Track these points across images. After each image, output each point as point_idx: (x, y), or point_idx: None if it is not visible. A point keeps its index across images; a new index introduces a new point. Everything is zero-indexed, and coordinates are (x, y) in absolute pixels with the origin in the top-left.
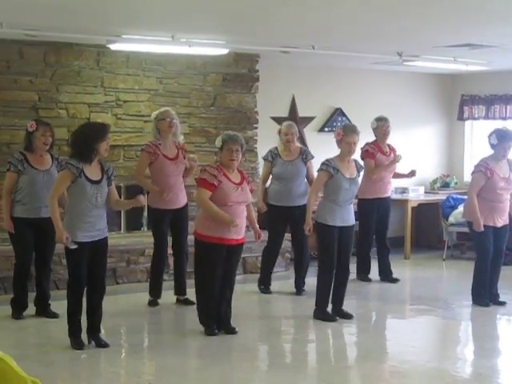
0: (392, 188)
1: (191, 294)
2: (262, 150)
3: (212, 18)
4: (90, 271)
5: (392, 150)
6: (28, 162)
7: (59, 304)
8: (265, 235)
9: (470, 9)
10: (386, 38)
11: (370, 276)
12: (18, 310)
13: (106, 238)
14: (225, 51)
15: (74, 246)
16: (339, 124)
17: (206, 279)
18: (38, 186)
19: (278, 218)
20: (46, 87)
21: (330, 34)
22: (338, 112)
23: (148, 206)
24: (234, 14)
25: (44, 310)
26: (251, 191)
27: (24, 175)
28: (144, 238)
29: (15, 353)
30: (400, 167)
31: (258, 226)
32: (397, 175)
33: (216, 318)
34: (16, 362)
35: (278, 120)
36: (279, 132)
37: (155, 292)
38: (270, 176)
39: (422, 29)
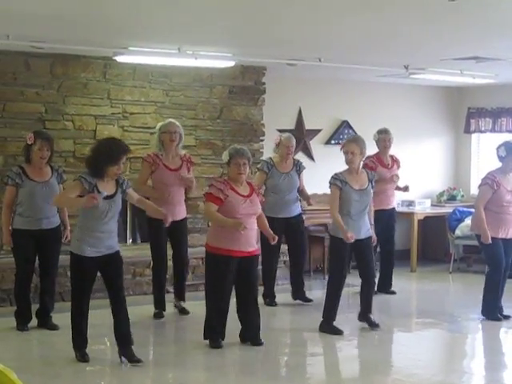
0: (399, 200)
1: (190, 305)
2: None
3: (218, 31)
4: (109, 285)
5: (395, 161)
6: (26, 174)
7: (64, 316)
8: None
9: (477, 22)
10: (392, 50)
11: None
12: (21, 322)
13: (117, 252)
14: (231, 64)
15: (104, 194)
16: (346, 136)
17: (214, 292)
18: (37, 198)
19: (276, 230)
20: (53, 99)
21: (337, 46)
22: (345, 124)
23: (146, 216)
24: (240, 26)
25: (45, 322)
26: (261, 202)
27: (23, 188)
28: (150, 251)
29: (18, 365)
30: (406, 180)
31: (270, 231)
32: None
33: (221, 332)
34: (19, 374)
35: (285, 132)
36: (278, 144)
37: (159, 304)
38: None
39: (429, 42)
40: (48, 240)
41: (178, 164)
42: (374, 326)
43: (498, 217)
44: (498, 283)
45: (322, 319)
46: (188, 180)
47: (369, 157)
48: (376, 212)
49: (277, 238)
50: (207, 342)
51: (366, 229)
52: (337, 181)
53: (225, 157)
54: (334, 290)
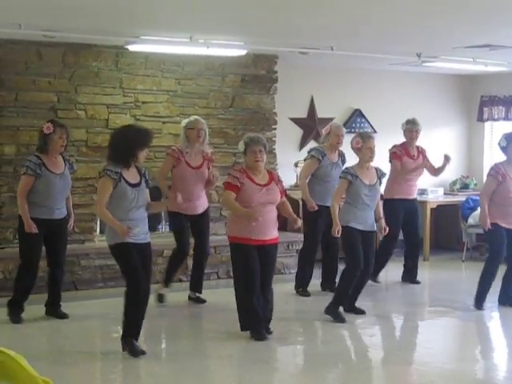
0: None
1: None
2: (281, 151)
3: (230, 19)
4: None
5: (421, 152)
6: (45, 165)
7: (78, 304)
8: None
9: (490, 9)
10: (405, 38)
11: (378, 278)
12: (16, 313)
13: (149, 244)
14: (243, 52)
15: (137, 229)
16: (358, 125)
17: (243, 281)
18: (54, 190)
19: (323, 218)
20: (65, 88)
21: (349, 34)
22: (357, 113)
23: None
24: (252, 14)
25: (55, 311)
26: (281, 193)
27: (41, 179)
28: (162, 239)
29: (30, 353)
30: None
31: (294, 215)
32: (439, 170)
33: (261, 321)
34: (31, 362)
35: (297, 121)
36: (328, 133)
37: (168, 283)
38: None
39: (442, 30)
40: (59, 229)
41: (200, 162)
42: (361, 313)
43: (504, 209)
44: (493, 272)
45: (331, 302)
46: (214, 176)
47: (396, 146)
48: (397, 201)
49: (300, 221)
50: (220, 331)
51: (371, 222)
52: (348, 175)
53: (241, 146)
54: (348, 277)
